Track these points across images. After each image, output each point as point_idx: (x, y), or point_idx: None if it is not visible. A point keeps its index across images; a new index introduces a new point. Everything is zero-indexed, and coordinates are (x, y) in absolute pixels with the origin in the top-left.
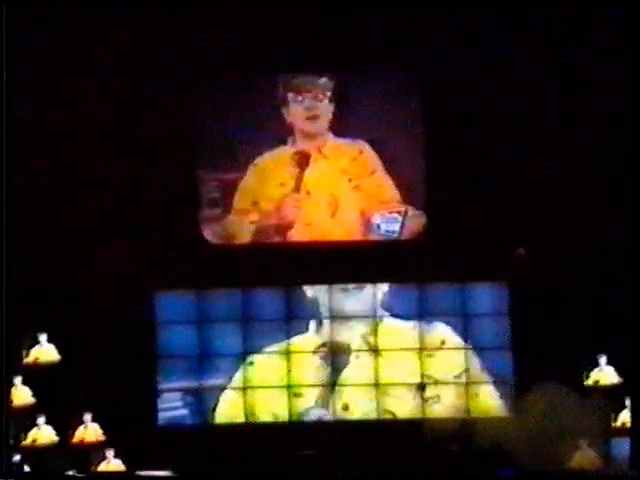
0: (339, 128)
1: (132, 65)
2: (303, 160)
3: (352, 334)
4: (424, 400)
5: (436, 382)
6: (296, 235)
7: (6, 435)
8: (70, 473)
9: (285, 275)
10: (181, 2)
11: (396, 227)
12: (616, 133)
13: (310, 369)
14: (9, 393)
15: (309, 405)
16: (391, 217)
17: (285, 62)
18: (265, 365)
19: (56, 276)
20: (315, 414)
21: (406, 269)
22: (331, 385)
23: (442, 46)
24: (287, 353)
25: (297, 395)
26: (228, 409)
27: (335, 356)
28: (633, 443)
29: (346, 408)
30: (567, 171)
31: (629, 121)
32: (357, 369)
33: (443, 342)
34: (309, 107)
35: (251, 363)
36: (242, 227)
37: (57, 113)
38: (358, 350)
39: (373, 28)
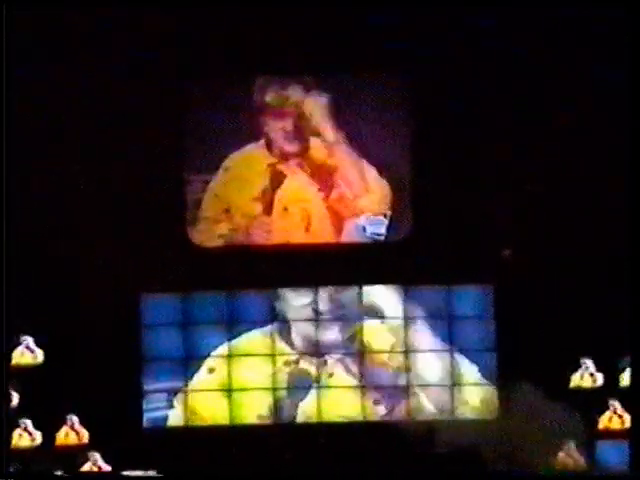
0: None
1: (119, 70)
2: (275, 179)
3: (336, 336)
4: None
5: (420, 384)
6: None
7: (6, 436)
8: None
9: (270, 277)
10: (164, 6)
11: (382, 229)
12: (604, 135)
13: (287, 371)
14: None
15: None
16: (376, 220)
17: (269, 65)
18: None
19: (42, 278)
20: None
21: (391, 271)
22: (313, 387)
23: (432, 49)
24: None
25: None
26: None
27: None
28: (633, 443)
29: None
30: (554, 174)
31: (626, 121)
32: (341, 370)
33: (424, 344)
34: (288, 129)
35: (211, 370)
36: (210, 239)
37: (46, 114)
38: (342, 352)
39: (359, 32)
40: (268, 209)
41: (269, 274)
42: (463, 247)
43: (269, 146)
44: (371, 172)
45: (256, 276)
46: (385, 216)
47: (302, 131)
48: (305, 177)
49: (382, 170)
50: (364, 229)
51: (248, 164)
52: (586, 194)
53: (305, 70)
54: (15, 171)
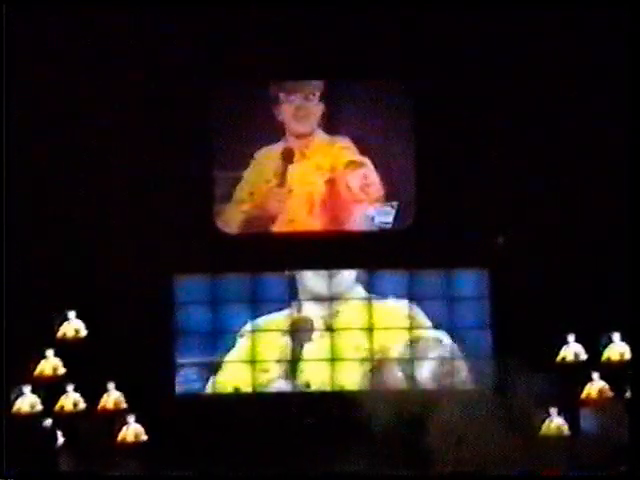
0: (328, 126)
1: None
2: (287, 156)
3: (346, 314)
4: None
5: (416, 358)
6: (280, 225)
7: (6, 435)
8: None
9: (287, 261)
10: (200, 20)
11: (389, 219)
12: (593, 131)
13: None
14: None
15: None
16: (384, 210)
17: (283, 69)
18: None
19: (88, 262)
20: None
21: (396, 256)
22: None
23: (429, 53)
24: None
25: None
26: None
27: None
28: (633, 443)
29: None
30: (546, 169)
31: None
32: (346, 345)
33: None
34: (299, 106)
35: (241, 335)
36: (234, 216)
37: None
38: (350, 328)
39: (362, 39)
40: (282, 182)
41: (286, 258)
42: (461, 235)
43: (284, 134)
44: (375, 165)
45: (274, 260)
46: (392, 207)
47: (311, 117)
48: (311, 161)
49: (385, 163)
50: (372, 218)
51: (266, 155)
52: (571, 187)
53: (316, 75)
54: (68, 170)
